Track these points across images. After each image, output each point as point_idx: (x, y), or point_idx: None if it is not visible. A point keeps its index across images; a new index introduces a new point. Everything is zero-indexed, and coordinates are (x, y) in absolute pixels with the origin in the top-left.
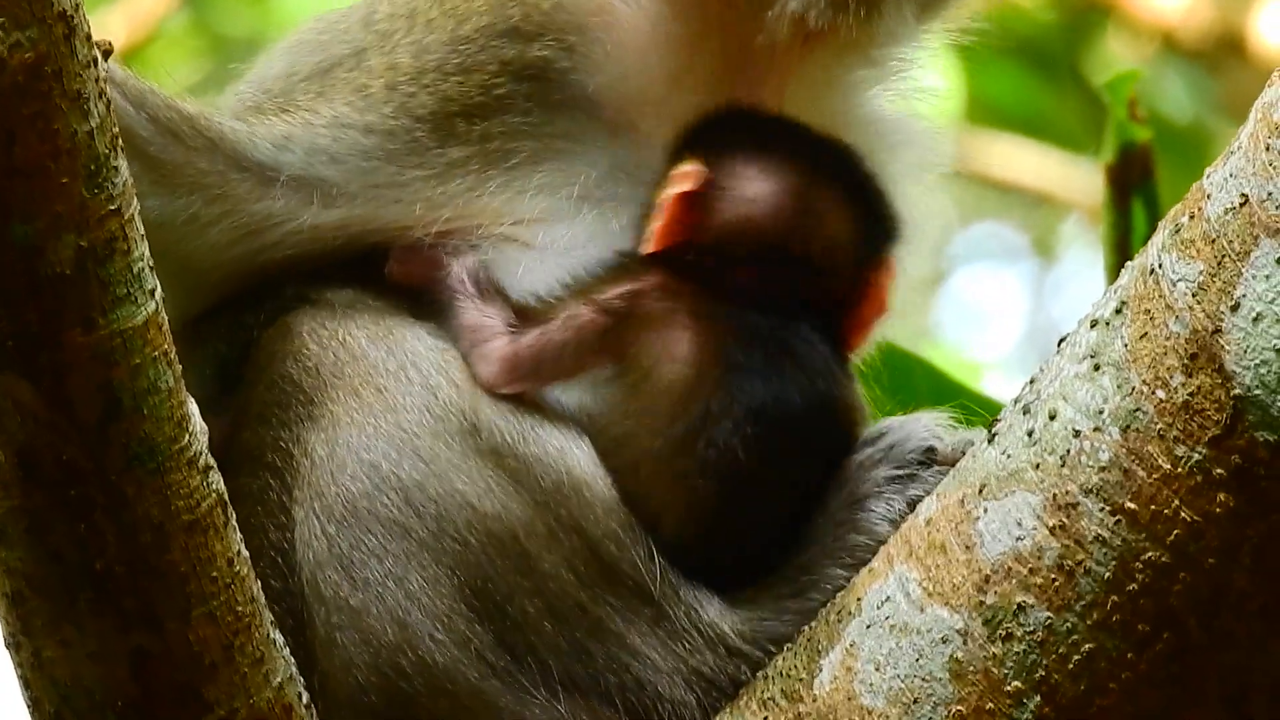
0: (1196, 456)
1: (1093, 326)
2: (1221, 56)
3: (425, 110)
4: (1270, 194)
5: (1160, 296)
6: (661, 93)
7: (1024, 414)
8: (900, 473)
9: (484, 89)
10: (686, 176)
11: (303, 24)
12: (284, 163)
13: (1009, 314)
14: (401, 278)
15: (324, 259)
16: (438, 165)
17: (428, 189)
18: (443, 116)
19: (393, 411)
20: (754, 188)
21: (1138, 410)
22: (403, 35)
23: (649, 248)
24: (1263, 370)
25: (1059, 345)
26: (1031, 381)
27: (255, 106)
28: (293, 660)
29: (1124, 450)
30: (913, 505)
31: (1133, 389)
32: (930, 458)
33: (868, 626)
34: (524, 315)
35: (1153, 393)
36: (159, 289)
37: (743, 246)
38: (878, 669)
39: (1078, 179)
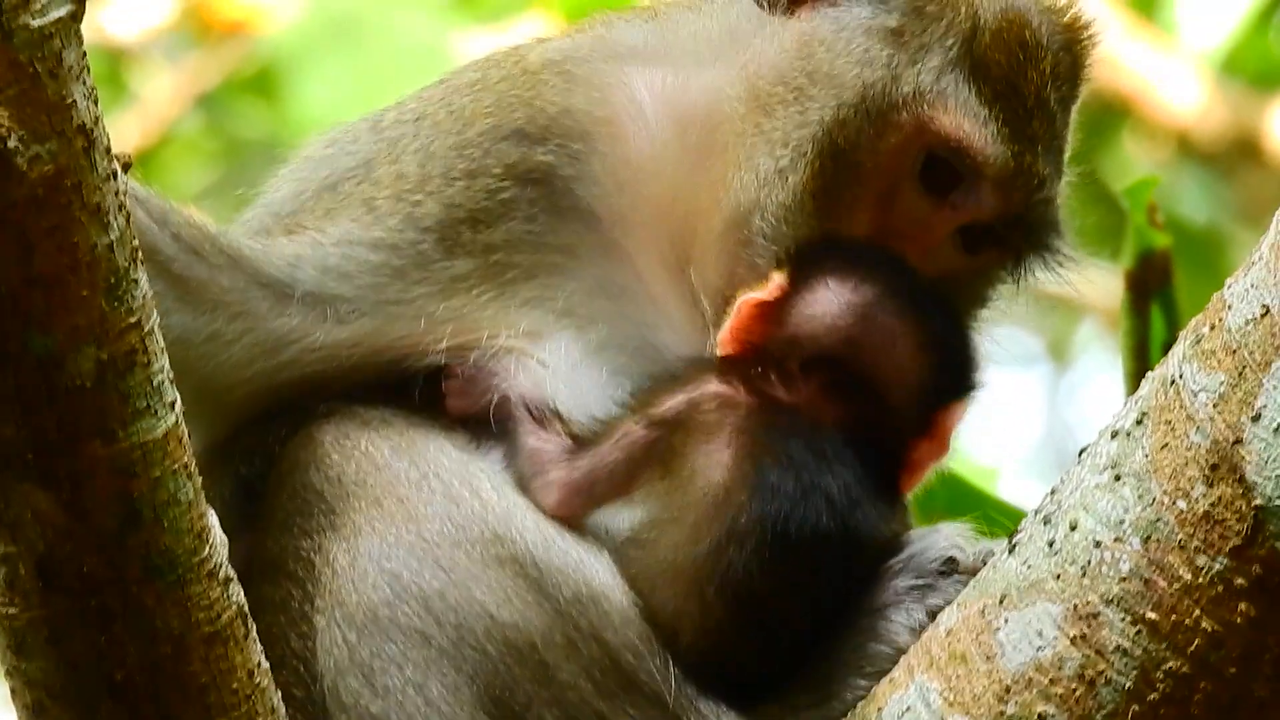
0: (1218, 566)
1: (1113, 437)
2: (1237, 160)
3: (431, 220)
4: None
5: (1181, 407)
6: (650, 217)
7: (1045, 524)
8: (920, 582)
9: (489, 193)
10: (766, 286)
11: (308, 143)
12: (299, 280)
13: (1025, 418)
14: (461, 411)
15: (340, 381)
16: (442, 280)
17: (431, 304)
18: (449, 224)
19: (414, 521)
20: (821, 303)
21: (1159, 520)
22: (409, 141)
23: (721, 351)
24: None
25: (1080, 455)
26: (1052, 492)
27: (264, 230)
28: None
29: (1145, 560)
30: (933, 614)
31: (1154, 499)
32: (951, 567)
33: None
34: (580, 438)
35: (1174, 503)
36: (179, 401)
37: (803, 359)
38: None
39: (1093, 282)
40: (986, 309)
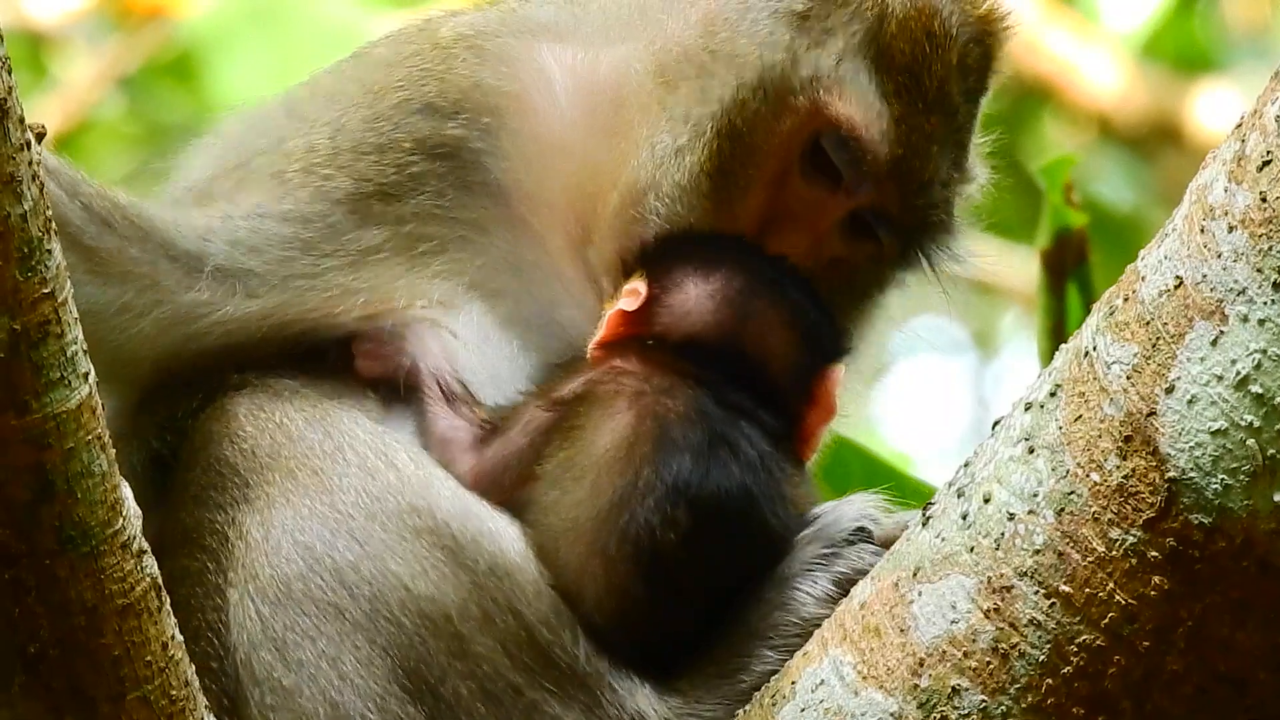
0: (1131, 539)
1: (1027, 409)
2: (1158, 143)
3: (342, 193)
4: (1205, 276)
5: (1095, 379)
6: (557, 193)
7: (958, 497)
8: (828, 551)
9: (399, 167)
10: (630, 293)
11: (223, 121)
12: (209, 253)
13: (950, 407)
14: (372, 374)
15: (252, 351)
16: (353, 252)
17: (342, 276)
18: (359, 198)
19: (328, 493)
20: (691, 301)
21: (1072, 493)
22: (321, 114)
23: (592, 357)
24: (1197, 453)
25: (993, 428)
26: (966, 464)
27: (176, 203)
28: None
29: (1058, 533)
30: (839, 583)
31: (1067, 472)
32: (860, 536)
33: (802, 710)
34: (489, 422)
35: (1087, 475)
36: (92, 373)
37: (684, 350)
38: None
39: (1017, 268)
40: (888, 294)
